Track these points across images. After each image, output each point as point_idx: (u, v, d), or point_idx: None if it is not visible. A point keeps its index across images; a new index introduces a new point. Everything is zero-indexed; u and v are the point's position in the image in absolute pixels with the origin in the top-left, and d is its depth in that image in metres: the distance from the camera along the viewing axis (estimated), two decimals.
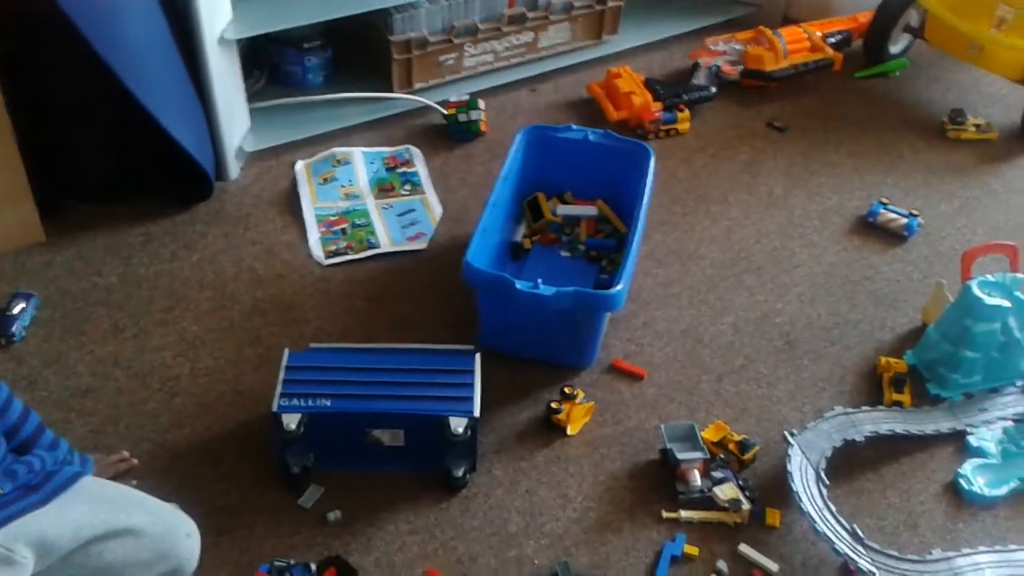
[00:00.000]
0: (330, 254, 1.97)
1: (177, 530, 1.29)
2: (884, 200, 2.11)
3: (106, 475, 1.42)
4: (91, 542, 1.19)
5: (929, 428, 1.63)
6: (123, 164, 2.03)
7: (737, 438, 1.59)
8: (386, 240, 2.01)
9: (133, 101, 1.79)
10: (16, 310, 1.76)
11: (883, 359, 1.74)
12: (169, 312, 1.82)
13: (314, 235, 2.01)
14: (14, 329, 1.73)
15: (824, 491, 1.48)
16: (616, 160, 1.95)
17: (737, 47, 2.53)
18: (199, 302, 1.84)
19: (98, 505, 1.22)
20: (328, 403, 1.49)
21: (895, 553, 1.42)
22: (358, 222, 2.04)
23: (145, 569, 1.24)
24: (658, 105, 2.31)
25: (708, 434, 1.60)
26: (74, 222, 1.98)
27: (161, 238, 1.97)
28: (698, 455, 1.54)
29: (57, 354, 1.71)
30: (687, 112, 2.33)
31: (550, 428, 1.64)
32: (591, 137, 1.96)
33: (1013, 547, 1.45)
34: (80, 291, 1.84)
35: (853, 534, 1.42)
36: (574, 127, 1.98)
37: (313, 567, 1.39)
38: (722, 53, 2.52)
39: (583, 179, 2.01)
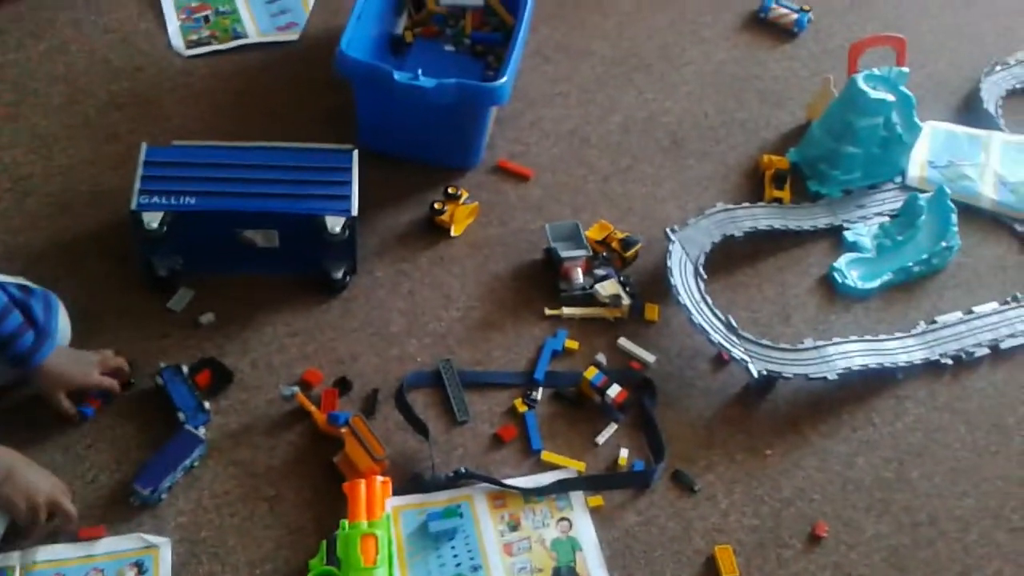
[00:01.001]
0: (192, 44, 1.81)
1: None
2: None
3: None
4: None
5: (807, 224, 1.65)
6: None
7: (620, 236, 1.58)
8: (254, 29, 1.86)
9: None
10: None
11: (766, 157, 1.74)
12: (16, 107, 1.66)
13: (173, 24, 1.84)
14: None
15: (702, 285, 1.50)
16: None
17: None
18: (50, 96, 1.69)
19: None
20: (193, 201, 1.40)
21: (768, 342, 1.46)
22: (222, 9, 1.88)
23: None
24: None
25: (592, 233, 1.58)
26: None
27: (3, 25, 1.78)
28: (581, 253, 1.53)
29: None
30: None
31: (433, 229, 1.60)
32: None
33: (883, 336, 1.51)
34: None
35: (728, 325, 1.46)
36: None
37: (185, 369, 1.35)
38: None
39: None
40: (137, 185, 1.40)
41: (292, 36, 1.86)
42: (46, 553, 1.19)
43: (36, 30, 1.79)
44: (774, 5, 2.03)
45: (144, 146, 1.45)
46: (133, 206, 1.37)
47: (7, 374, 1.27)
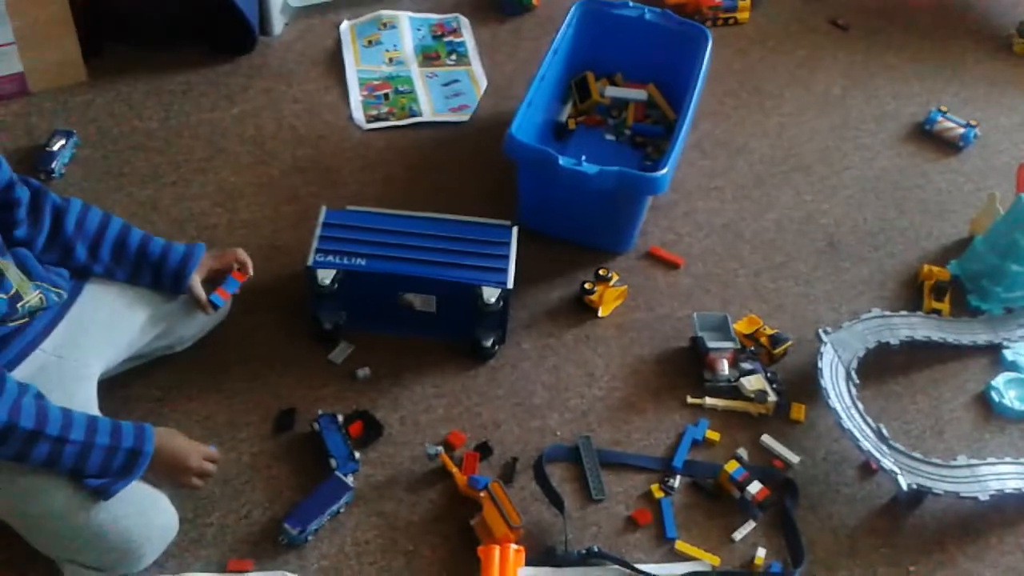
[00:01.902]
0: (371, 118, 1.93)
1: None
2: (942, 108, 2.04)
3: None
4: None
5: (966, 338, 1.61)
6: (168, 9, 1.98)
7: (770, 332, 1.58)
8: (429, 109, 1.97)
9: None
10: (56, 147, 1.75)
11: (926, 267, 1.71)
12: (208, 162, 1.81)
13: (356, 98, 1.97)
14: (54, 165, 1.73)
15: (853, 390, 1.47)
16: (671, 43, 1.88)
17: None
18: (239, 155, 1.83)
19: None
20: (363, 262, 1.49)
21: (919, 456, 1.42)
22: (401, 88, 2.00)
23: (193, 318, 1.44)
24: None
25: (740, 326, 1.59)
26: (116, 65, 1.96)
27: (202, 88, 1.94)
28: (729, 345, 1.53)
29: (95, 193, 1.71)
30: (748, 1, 2.24)
31: (582, 308, 1.64)
32: (648, 16, 1.89)
33: None
34: (120, 133, 1.83)
35: (878, 433, 1.42)
36: (631, 3, 1.90)
37: (340, 418, 1.41)
38: None
39: (635, 61, 1.95)
40: (315, 244, 1.49)
41: (463, 117, 1.96)
42: None
43: (231, 94, 1.95)
44: (940, 118, 2.01)
45: (324, 209, 1.55)
46: (309, 263, 1.47)
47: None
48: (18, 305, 1.19)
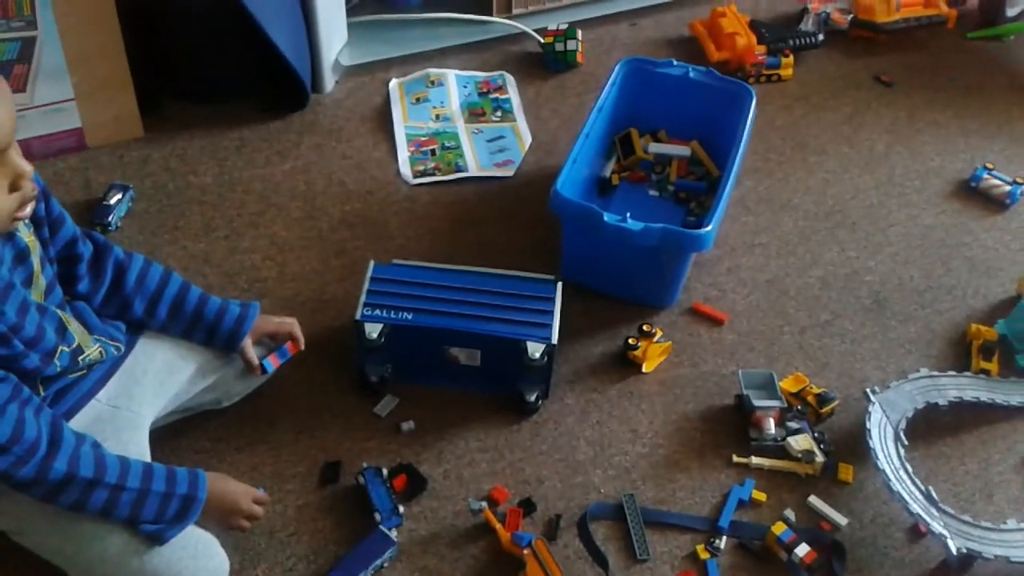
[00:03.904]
0: (418, 174, 1.97)
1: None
2: (988, 165, 2.02)
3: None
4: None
5: (1015, 399, 1.58)
6: (224, 67, 2.05)
7: (816, 391, 1.57)
8: (474, 164, 2.00)
9: (240, 5, 1.80)
10: (112, 200, 1.80)
11: (974, 326, 1.69)
12: (260, 216, 1.85)
13: (403, 154, 2.01)
14: (110, 219, 1.78)
15: (902, 451, 1.46)
16: (715, 101, 1.91)
17: None
18: (289, 209, 1.87)
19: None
20: (409, 316, 1.51)
21: (969, 519, 1.39)
22: (448, 144, 2.04)
23: (242, 374, 1.46)
24: (762, 48, 2.25)
25: (786, 384, 1.58)
26: (172, 120, 2.02)
27: (256, 143, 2.00)
28: (775, 403, 1.52)
29: (151, 247, 1.75)
30: (791, 58, 2.26)
31: (625, 364, 1.64)
32: (692, 74, 1.92)
33: None
34: (175, 188, 1.88)
35: (927, 496, 1.40)
36: (675, 63, 1.93)
37: (385, 472, 1.42)
38: (833, 0, 2.44)
39: (679, 118, 1.97)
40: (363, 298, 1.52)
41: (508, 172, 1.99)
42: None
43: (283, 150, 2.00)
44: (986, 176, 2.00)
45: (372, 263, 1.58)
46: (357, 316, 1.49)
47: None
48: (79, 358, 1.23)
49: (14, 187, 1.07)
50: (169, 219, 1.82)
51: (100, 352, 1.26)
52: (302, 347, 1.49)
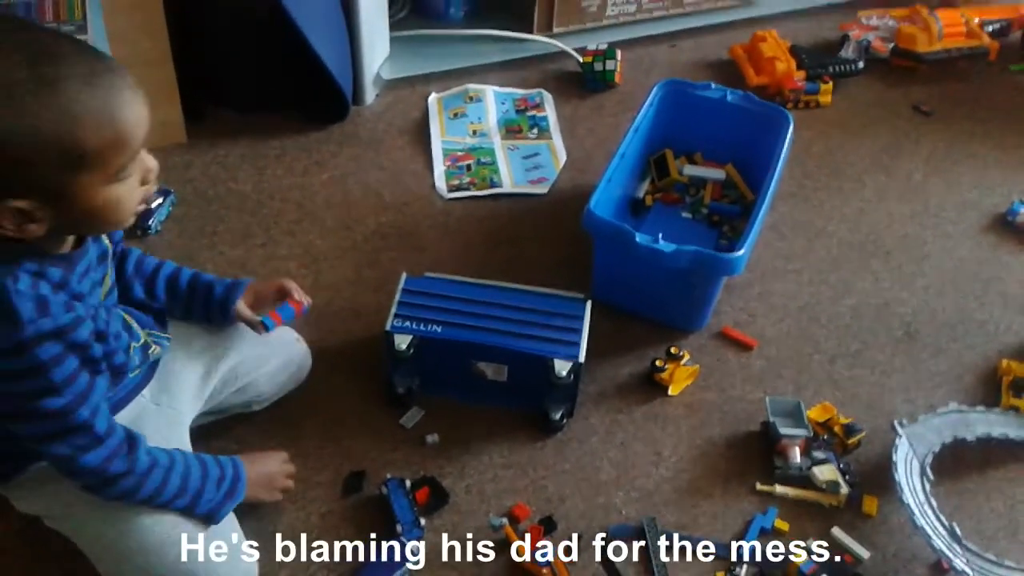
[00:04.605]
0: (453, 188, 1.99)
1: (287, 336, 1.53)
2: None
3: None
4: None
5: None
6: (267, 78, 2.09)
7: (844, 421, 1.56)
8: (508, 181, 2.02)
9: (286, 18, 1.84)
10: (154, 204, 1.84)
11: (1005, 362, 1.68)
12: (297, 225, 1.88)
13: (439, 168, 2.03)
14: (151, 222, 1.82)
15: (927, 486, 1.45)
16: (752, 125, 1.91)
17: (891, 23, 2.44)
18: (325, 219, 1.90)
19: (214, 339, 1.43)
20: (439, 329, 1.52)
21: (992, 557, 1.38)
22: (483, 160, 2.06)
23: (272, 377, 1.49)
24: (801, 74, 2.24)
25: (814, 414, 1.57)
26: (215, 129, 2.06)
27: (295, 153, 2.03)
28: (801, 432, 1.52)
29: (189, 251, 1.79)
30: (830, 84, 2.26)
31: (651, 386, 1.64)
32: (730, 98, 1.92)
33: None
34: (215, 195, 1.92)
35: (951, 532, 1.39)
36: (713, 86, 1.94)
37: (408, 484, 1.44)
38: (874, 28, 2.43)
39: (714, 141, 1.98)
40: (394, 310, 1.54)
41: (542, 190, 2.00)
42: None
43: (322, 160, 2.03)
44: (1023, 210, 1.98)
45: (404, 276, 1.60)
46: (388, 327, 1.51)
47: None
48: (148, 353, 1.27)
49: (143, 181, 1.10)
50: (208, 224, 1.85)
51: (157, 348, 1.30)
52: (306, 303, 1.46)
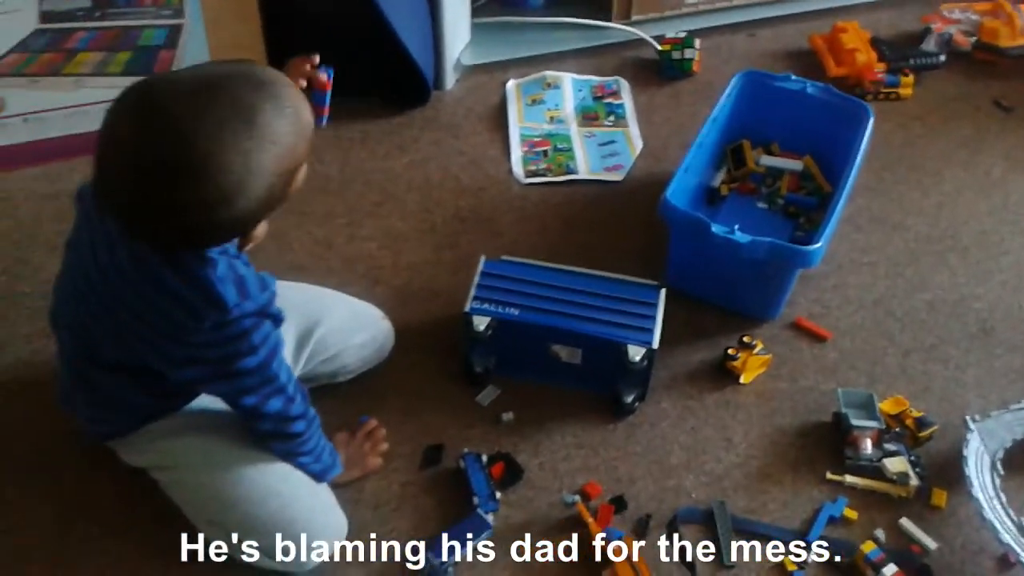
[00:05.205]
0: (530, 174, 2.03)
1: (374, 313, 1.61)
2: None
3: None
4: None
5: None
6: (352, 63, 2.12)
7: (916, 414, 1.57)
8: (584, 167, 2.05)
9: (372, 4, 1.90)
10: None
11: None
12: (379, 207, 1.94)
13: (517, 153, 2.08)
14: None
15: (997, 481, 1.45)
16: (831, 117, 1.91)
17: (973, 17, 2.41)
18: (406, 202, 1.95)
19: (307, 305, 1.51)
20: (516, 312, 1.57)
21: None
22: (560, 146, 2.10)
23: (359, 350, 1.56)
24: (882, 66, 2.23)
25: (886, 406, 1.58)
26: None
27: (378, 137, 2.09)
28: (873, 424, 1.53)
29: (278, 229, 1.82)
30: (911, 77, 2.24)
31: (723, 373, 1.66)
32: (810, 90, 1.92)
33: None
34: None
35: (1020, 527, 1.39)
36: (793, 77, 1.94)
37: (484, 458, 1.49)
38: (956, 21, 2.40)
39: (793, 132, 1.98)
40: (472, 292, 1.59)
41: (617, 177, 2.03)
42: None
43: (403, 144, 2.08)
44: None
45: (483, 259, 1.64)
46: (467, 309, 1.56)
47: None
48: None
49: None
50: (296, 204, 1.90)
51: None
52: (321, 77, 1.41)
